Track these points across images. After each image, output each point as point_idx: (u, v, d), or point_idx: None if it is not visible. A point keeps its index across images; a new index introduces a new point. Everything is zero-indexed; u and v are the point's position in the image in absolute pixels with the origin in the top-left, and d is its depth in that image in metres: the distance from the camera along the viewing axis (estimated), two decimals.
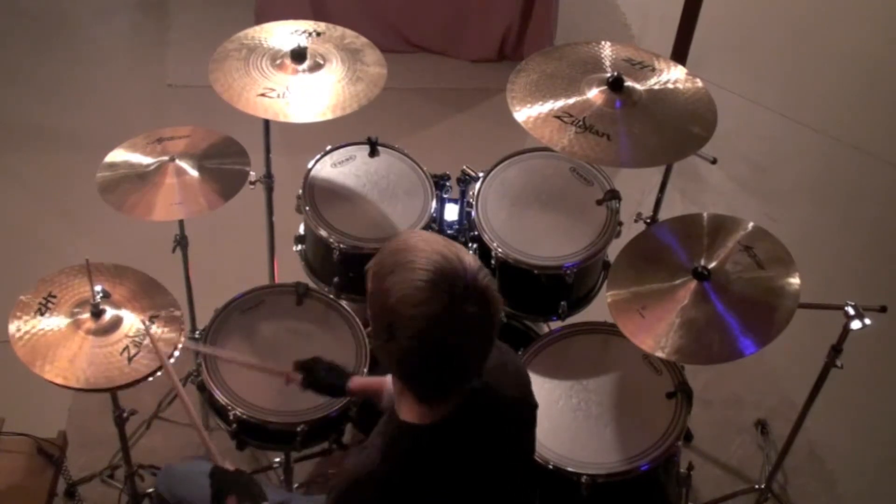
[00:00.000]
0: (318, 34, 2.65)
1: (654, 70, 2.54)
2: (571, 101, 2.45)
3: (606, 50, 2.61)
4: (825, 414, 2.83)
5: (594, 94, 2.46)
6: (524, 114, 2.41)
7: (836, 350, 2.38)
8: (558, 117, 2.40)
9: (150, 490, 2.65)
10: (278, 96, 2.46)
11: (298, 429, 2.29)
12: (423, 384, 1.52)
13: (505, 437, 1.65)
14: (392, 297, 1.43)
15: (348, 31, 2.67)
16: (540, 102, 2.44)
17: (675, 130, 2.41)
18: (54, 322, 2.16)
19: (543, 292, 2.61)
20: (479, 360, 1.51)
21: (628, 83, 2.46)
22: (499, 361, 1.66)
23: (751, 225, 2.30)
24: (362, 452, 1.61)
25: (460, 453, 1.58)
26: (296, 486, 2.65)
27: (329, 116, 2.44)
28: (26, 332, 2.13)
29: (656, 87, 2.49)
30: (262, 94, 2.46)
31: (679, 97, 2.48)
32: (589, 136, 2.36)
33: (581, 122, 2.38)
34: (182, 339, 2.20)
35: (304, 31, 2.66)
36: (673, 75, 2.54)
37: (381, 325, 1.47)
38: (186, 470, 2.27)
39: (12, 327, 2.13)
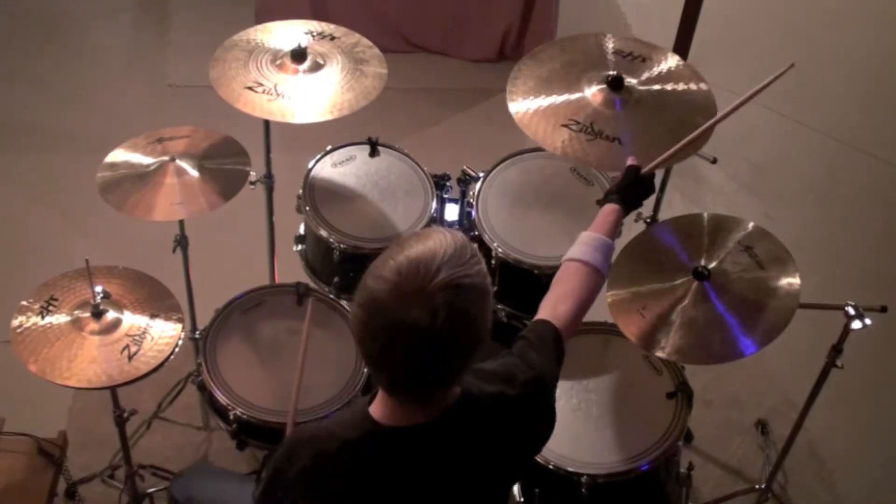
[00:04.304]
0: (332, 38, 2.66)
1: (644, 60, 2.53)
2: (573, 101, 2.44)
3: (605, 43, 2.60)
4: (825, 414, 2.83)
5: (593, 92, 2.45)
6: (532, 129, 2.40)
7: (836, 350, 2.38)
8: (565, 126, 2.39)
9: (151, 490, 2.66)
10: (264, 92, 2.46)
11: None
12: (368, 361, 1.49)
13: (468, 470, 1.59)
14: (373, 262, 1.46)
15: (364, 40, 2.68)
16: (541, 105, 2.43)
17: (679, 125, 2.41)
18: (56, 323, 2.16)
19: (543, 292, 2.60)
20: (418, 373, 1.44)
21: (628, 82, 2.45)
22: (499, 394, 1.60)
23: (751, 225, 2.30)
24: (326, 420, 1.63)
25: (407, 467, 1.54)
26: None
27: (318, 119, 2.45)
28: (28, 333, 2.14)
29: (654, 86, 2.49)
30: (249, 88, 2.47)
31: (677, 94, 2.48)
32: (600, 143, 2.35)
33: (590, 128, 2.37)
34: (181, 336, 2.21)
35: (318, 34, 2.67)
36: (666, 65, 2.53)
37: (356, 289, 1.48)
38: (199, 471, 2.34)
39: (14, 326, 2.14)
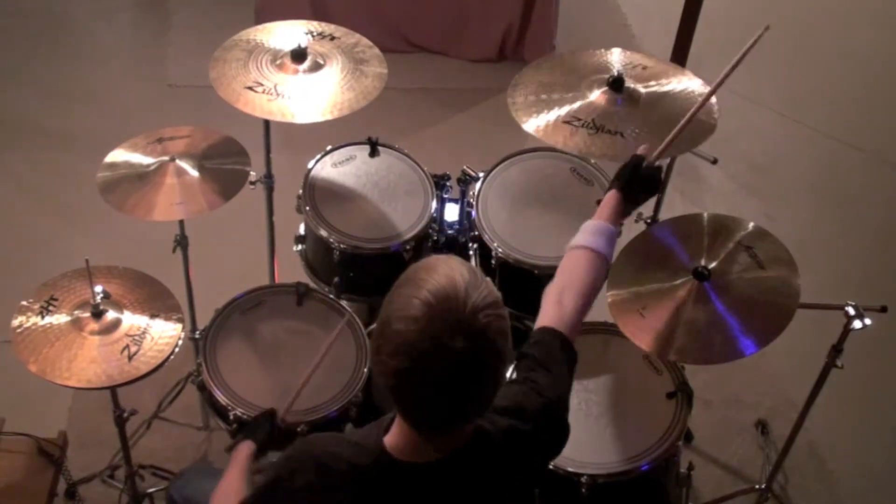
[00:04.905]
0: (332, 38, 2.66)
1: (645, 68, 2.54)
2: (576, 105, 2.44)
3: (606, 56, 2.62)
4: (825, 414, 2.83)
5: (595, 96, 2.46)
6: (532, 124, 2.41)
7: (836, 350, 2.38)
8: (567, 122, 2.40)
9: (151, 490, 2.66)
10: (264, 92, 2.46)
11: (298, 429, 2.29)
12: (402, 407, 1.44)
13: None
14: (388, 309, 1.40)
15: (364, 40, 2.68)
16: (546, 111, 2.43)
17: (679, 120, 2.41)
18: (56, 323, 2.16)
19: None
20: (464, 404, 1.41)
21: (629, 83, 2.46)
22: (513, 429, 1.57)
23: (751, 225, 2.30)
24: (336, 436, 1.60)
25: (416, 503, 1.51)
26: None
27: (318, 119, 2.45)
28: (28, 333, 2.13)
29: (655, 89, 2.50)
30: (250, 88, 2.47)
31: (677, 97, 2.49)
32: (603, 136, 2.35)
33: (592, 124, 2.38)
34: (181, 336, 2.21)
35: (318, 34, 2.67)
36: (665, 74, 2.53)
37: (374, 337, 1.43)
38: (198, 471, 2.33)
39: (14, 326, 2.14)
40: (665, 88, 2.50)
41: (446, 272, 1.38)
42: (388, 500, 1.50)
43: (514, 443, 1.56)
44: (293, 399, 2.15)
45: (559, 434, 1.66)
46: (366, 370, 2.40)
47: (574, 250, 1.86)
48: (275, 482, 1.54)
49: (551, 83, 2.50)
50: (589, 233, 1.87)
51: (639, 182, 1.98)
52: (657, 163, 2.03)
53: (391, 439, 1.50)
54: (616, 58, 2.59)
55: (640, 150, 2.02)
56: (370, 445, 1.51)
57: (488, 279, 1.43)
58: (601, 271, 1.84)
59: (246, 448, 1.98)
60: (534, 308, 2.65)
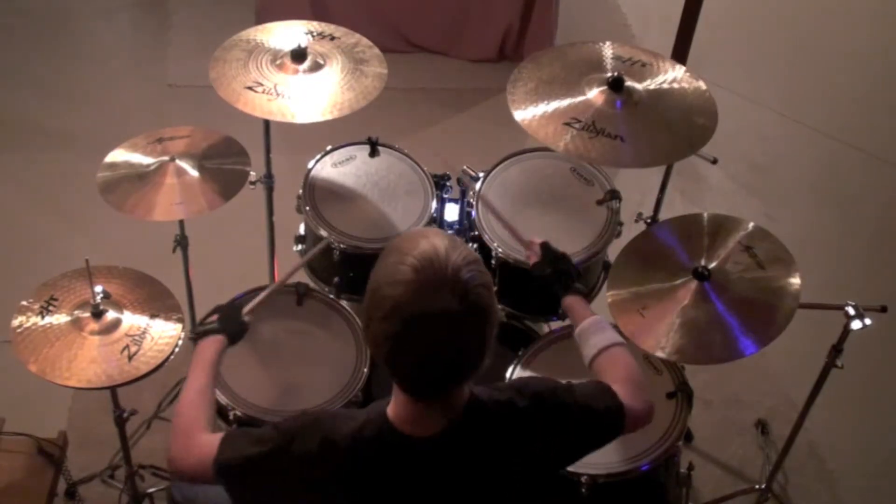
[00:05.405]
0: (332, 38, 2.66)
1: (644, 65, 2.54)
2: (574, 103, 2.44)
3: (606, 50, 2.61)
4: (825, 414, 2.83)
5: (594, 94, 2.46)
6: (534, 128, 2.40)
7: (836, 350, 2.38)
8: (567, 124, 2.39)
9: (151, 490, 2.66)
10: (264, 92, 2.46)
11: None
12: (398, 374, 1.50)
13: (484, 485, 1.60)
14: (376, 278, 1.47)
15: (364, 40, 2.68)
16: (543, 109, 2.43)
17: (681, 124, 2.41)
18: (56, 323, 2.16)
19: (543, 292, 2.60)
20: (457, 362, 1.47)
21: (628, 83, 2.45)
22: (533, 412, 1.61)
23: (751, 225, 2.30)
24: (345, 412, 1.64)
25: (413, 477, 1.55)
26: None
27: (319, 119, 2.45)
28: (28, 333, 2.13)
29: (653, 86, 2.49)
30: (249, 88, 2.47)
31: (677, 94, 2.48)
32: (602, 140, 2.35)
33: (592, 126, 2.37)
34: (182, 335, 2.21)
35: (318, 34, 2.67)
36: (670, 75, 2.53)
37: (364, 309, 1.49)
38: None
39: (14, 326, 2.14)
40: (663, 87, 2.50)
41: (427, 239, 1.47)
42: (386, 471, 1.54)
43: (509, 417, 1.59)
44: (260, 299, 2.19)
45: (564, 425, 1.65)
46: (366, 370, 2.40)
47: (605, 353, 1.91)
48: (278, 451, 1.56)
49: (551, 81, 2.50)
50: (598, 332, 1.94)
51: (565, 275, 2.14)
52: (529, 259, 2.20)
53: (392, 409, 1.55)
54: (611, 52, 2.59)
55: (529, 258, 2.20)
56: (374, 417, 1.56)
57: (467, 244, 1.51)
58: (628, 353, 1.93)
59: (216, 343, 1.99)
60: (533, 308, 2.69)
